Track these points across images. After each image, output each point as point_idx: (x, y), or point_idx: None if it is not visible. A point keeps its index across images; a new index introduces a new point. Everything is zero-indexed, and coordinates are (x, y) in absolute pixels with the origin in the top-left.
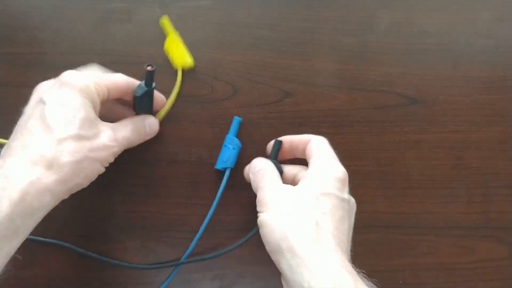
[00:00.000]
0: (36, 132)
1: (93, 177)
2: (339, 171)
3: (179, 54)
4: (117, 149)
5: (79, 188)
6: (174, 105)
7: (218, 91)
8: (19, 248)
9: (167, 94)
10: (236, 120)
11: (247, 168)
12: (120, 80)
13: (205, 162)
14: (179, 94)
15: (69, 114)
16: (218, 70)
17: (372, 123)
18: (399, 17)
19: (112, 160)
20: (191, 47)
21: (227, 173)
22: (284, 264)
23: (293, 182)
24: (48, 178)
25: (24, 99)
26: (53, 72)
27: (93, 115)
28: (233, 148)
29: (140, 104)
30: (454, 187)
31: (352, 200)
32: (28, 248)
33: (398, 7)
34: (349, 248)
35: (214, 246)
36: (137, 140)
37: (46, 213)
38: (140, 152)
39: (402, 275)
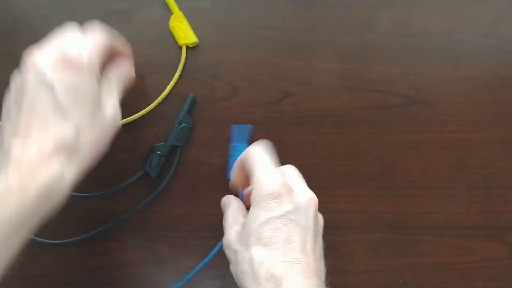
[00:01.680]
0: (52, 120)
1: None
2: (270, 185)
3: (184, 31)
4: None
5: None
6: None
7: (218, 91)
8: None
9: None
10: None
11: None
12: (102, 39)
13: (205, 162)
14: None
15: (82, 99)
16: (218, 70)
17: (372, 123)
18: (399, 17)
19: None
20: (192, 47)
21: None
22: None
23: None
24: (70, 169)
25: None
26: None
27: (98, 92)
28: None
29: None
30: (455, 187)
31: (301, 203)
32: (28, 248)
33: (398, 7)
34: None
35: (214, 245)
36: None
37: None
38: (140, 151)
39: (402, 275)
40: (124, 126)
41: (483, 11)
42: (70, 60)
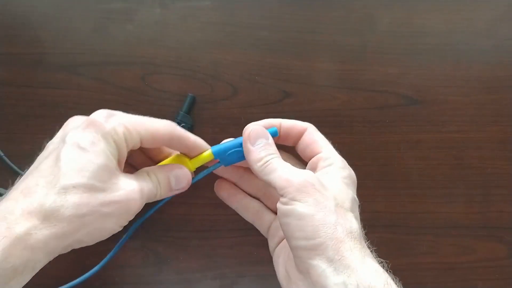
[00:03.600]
0: (45, 175)
1: (101, 236)
2: (353, 173)
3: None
4: (140, 204)
5: (82, 245)
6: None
7: (218, 91)
8: None
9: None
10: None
11: (248, 131)
12: (161, 129)
13: None
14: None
15: (85, 159)
16: (218, 70)
17: (372, 123)
18: (398, 17)
19: (131, 217)
20: (192, 47)
21: (216, 165)
22: (324, 264)
23: None
24: (41, 232)
25: (25, 99)
26: (53, 72)
27: (113, 164)
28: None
29: None
30: (454, 187)
31: None
32: None
33: (397, 7)
34: None
35: (214, 245)
36: (159, 195)
37: (37, 271)
38: None
39: (401, 274)
40: None
41: (481, 11)
42: (92, 121)
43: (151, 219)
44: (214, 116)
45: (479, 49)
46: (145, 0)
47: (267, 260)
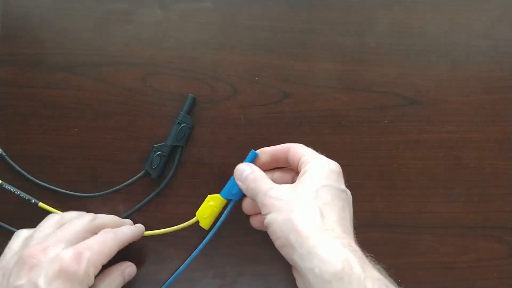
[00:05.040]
0: None
1: None
2: (333, 164)
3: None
4: None
5: None
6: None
7: (218, 92)
8: None
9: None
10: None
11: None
12: (113, 248)
13: (205, 162)
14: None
15: None
16: (218, 71)
17: (371, 123)
18: (398, 18)
19: None
20: (192, 48)
21: (231, 205)
22: (295, 255)
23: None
24: None
25: (25, 99)
26: (53, 72)
27: None
28: None
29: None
30: (453, 186)
31: (349, 192)
32: None
33: (397, 8)
34: (353, 235)
35: (215, 244)
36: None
37: None
38: (140, 151)
39: (401, 274)
40: (124, 126)
41: (480, 12)
42: (66, 271)
43: (151, 218)
44: (214, 116)
45: (478, 50)
46: (145, 1)
47: (267, 259)
